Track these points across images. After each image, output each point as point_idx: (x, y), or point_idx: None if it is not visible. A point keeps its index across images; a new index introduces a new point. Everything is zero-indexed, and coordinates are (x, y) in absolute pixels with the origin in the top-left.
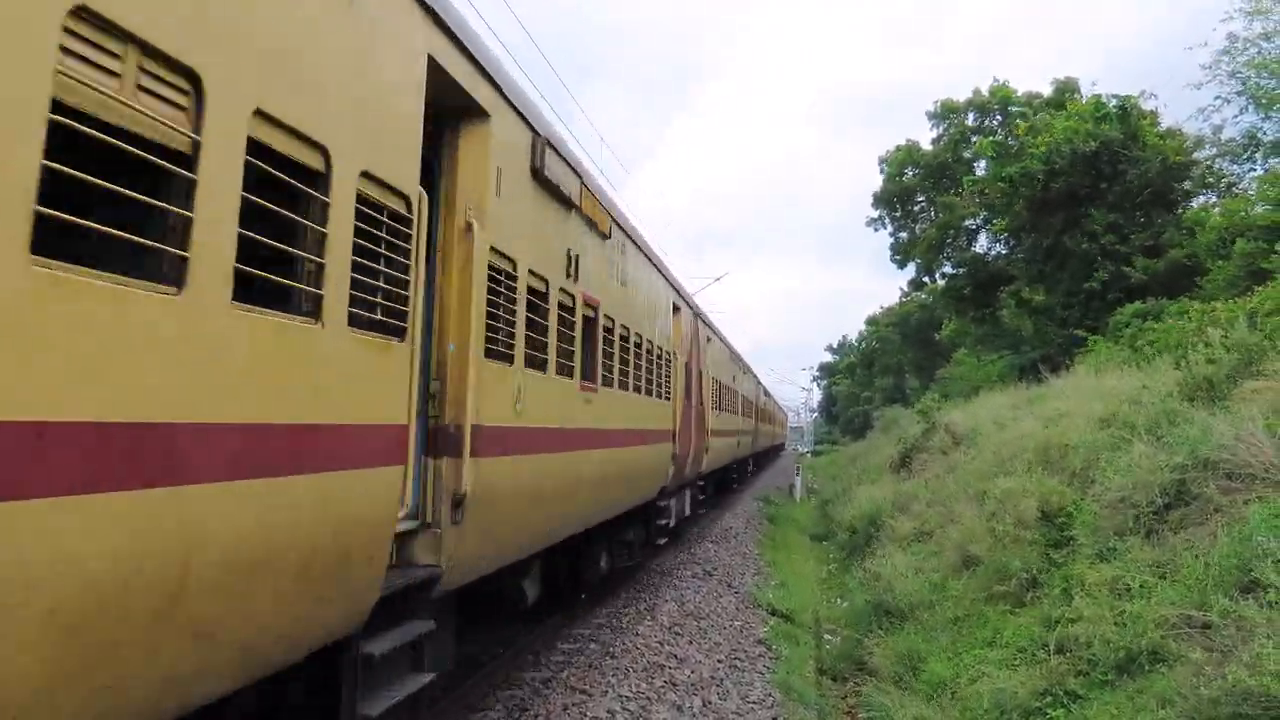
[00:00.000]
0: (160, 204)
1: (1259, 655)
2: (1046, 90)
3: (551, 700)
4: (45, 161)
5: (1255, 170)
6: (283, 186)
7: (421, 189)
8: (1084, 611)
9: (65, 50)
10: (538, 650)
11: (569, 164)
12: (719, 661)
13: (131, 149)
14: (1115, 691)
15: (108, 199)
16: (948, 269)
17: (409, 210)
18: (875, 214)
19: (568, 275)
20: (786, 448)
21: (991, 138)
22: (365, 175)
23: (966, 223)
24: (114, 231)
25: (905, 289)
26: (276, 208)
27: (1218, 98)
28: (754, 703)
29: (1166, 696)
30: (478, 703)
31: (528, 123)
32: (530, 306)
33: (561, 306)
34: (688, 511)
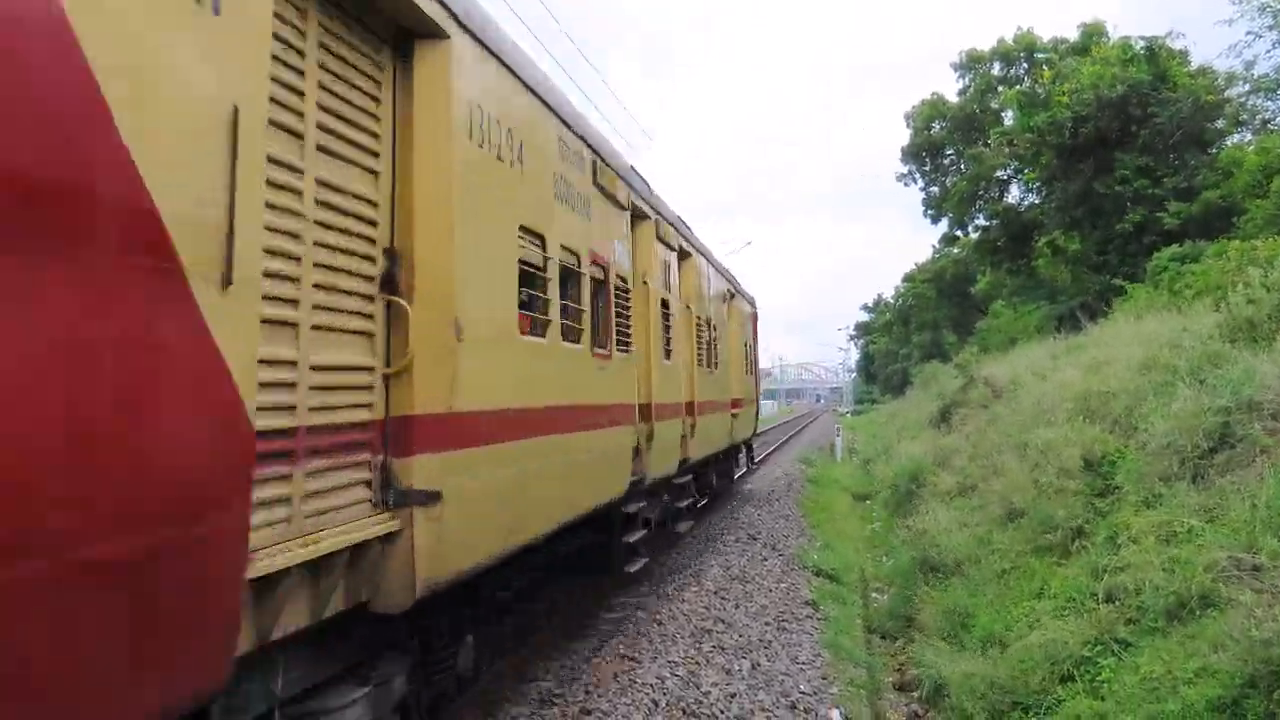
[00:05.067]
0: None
1: None
2: (1073, 35)
3: (601, 668)
4: None
5: None
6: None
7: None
8: (1131, 559)
9: None
10: (585, 620)
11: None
12: (766, 624)
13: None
14: (1166, 638)
15: None
16: (980, 221)
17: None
18: (905, 169)
19: None
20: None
21: (1017, 88)
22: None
23: (997, 174)
24: None
25: (938, 245)
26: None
27: (1249, 33)
28: (803, 663)
29: (1218, 641)
30: (529, 672)
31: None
32: None
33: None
34: None
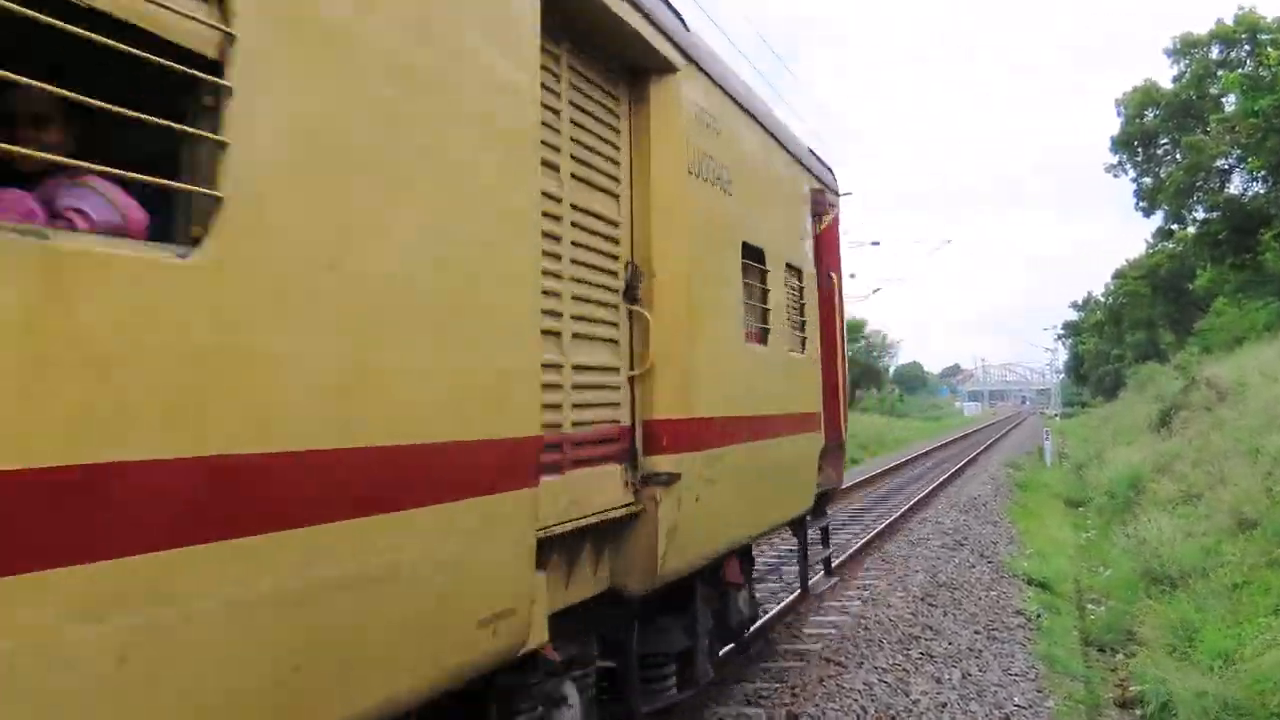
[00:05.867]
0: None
1: None
2: None
3: (808, 673)
4: None
5: None
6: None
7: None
8: None
9: None
10: (790, 623)
11: None
12: (976, 633)
13: None
14: None
15: None
16: (1199, 214)
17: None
18: (1114, 160)
19: None
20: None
21: (1239, 71)
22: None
23: (1217, 163)
24: None
25: (1151, 240)
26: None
27: None
28: (1016, 675)
29: None
30: (740, 675)
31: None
32: None
33: None
34: None
